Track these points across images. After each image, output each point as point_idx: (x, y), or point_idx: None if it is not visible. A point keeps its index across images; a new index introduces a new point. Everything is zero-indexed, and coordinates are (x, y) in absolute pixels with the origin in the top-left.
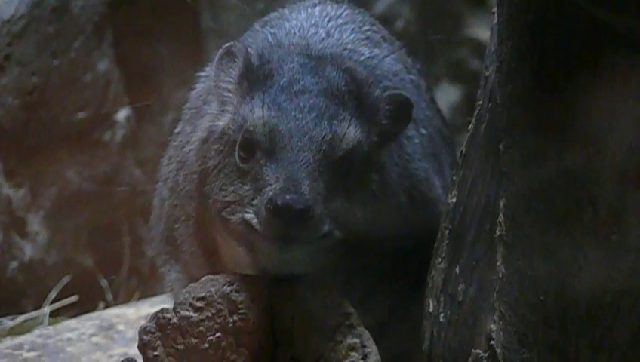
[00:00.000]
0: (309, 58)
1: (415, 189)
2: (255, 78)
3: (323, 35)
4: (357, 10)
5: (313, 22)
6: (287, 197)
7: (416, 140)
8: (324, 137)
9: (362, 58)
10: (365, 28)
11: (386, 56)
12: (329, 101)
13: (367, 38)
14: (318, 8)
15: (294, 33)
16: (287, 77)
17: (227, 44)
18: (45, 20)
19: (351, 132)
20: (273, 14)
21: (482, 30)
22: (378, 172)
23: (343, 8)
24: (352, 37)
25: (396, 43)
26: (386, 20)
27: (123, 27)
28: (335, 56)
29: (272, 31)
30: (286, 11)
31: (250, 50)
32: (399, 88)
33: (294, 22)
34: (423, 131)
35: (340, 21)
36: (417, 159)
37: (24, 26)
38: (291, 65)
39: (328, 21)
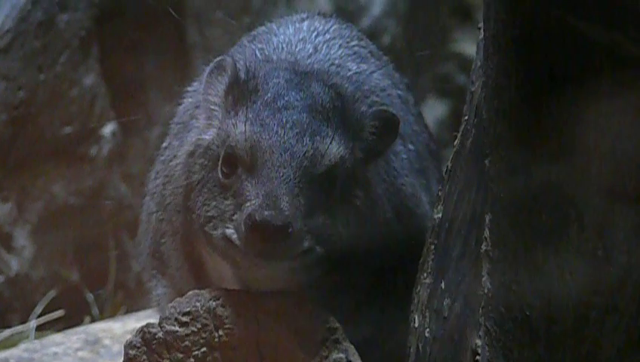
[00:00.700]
0: (295, 74)
1: (402, 205)
2: (240, 93)
3: (311, 50)
4: (345, 25)
5: (301, 37)
6: (266, 213)
7: (404, 156)
8: (305, 153)
9: (349, 73)
10: (353, 43)
11: (373, 72)
12: (312, 117)
13: (355, 53)
14: (305, 23)
15: (282, 48)
16: (272, 92)
17: (218, 58)
18: (31, 35)
19: (333, 148)
20: (261, 29)
21: (468, 45)
22: (363, 188)
23: (330, 23)
24: (339, 52)
25: (384, 58)
26: (372, 35)
27: (109, 42)
28: (321, 72)
29: (260, 46)
30: (274, 26)
31: (238, 64)
32: (387, 104)
33: (282, 37)
34: (411, 147)
35: (327, 36)
36: (404, 175)
37: (10, 41)
38: (277, 81)
39: (316, 36)
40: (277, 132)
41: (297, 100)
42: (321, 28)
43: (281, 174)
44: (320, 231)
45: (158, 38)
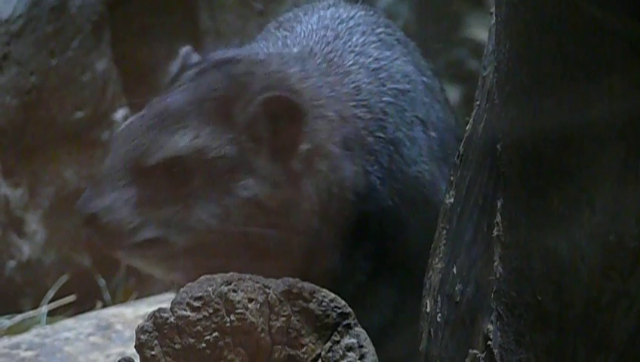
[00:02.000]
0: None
1: (417, 192)
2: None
3: (330, 38)
4: (371, 12)
5: (324, 24)
6: (78, 202)
7: (423, 143)
8: (138, 145)
9: (369, 60)
10: (379, 30)
11: (396, 59)
12: (181, 108)
13: (380, 40)
14: (330, 10)
15: (304, 36)
16: (178, 83)
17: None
18: (43, 20)
19: (181, 141)
20: (287, 15)
21: (481, 30)
22: (260, 178)
23: (356, 10)
24: (362, 39)
25: (411, 45)
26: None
27: (121, 26)
28: (235, 61)
29: (285, 33)
30: (300, 13)
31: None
32: (404, 90)
33: (305, 25)
34: (433, 134)
35: (351, 23)
36: (422, 162)
37: (22, 26)
38: (189, 73)
39: (339, 23)
40: (129, 123)
41: (183, 91)
42: (345, 15)
43: (111, 164)
44: (172, 222)
45: (171, 22)
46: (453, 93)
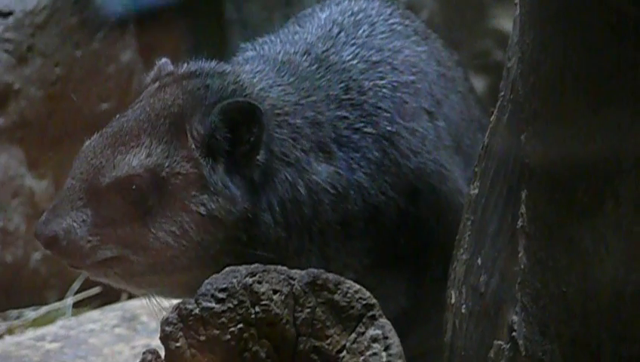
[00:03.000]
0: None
1: (419, 182)
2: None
3: (335, 32)
4: (387, 4)
5: (333, 19)
6: (37, 225)
7: (428, 133)
8: (93, 165)
9: (370, 53)
10: (392, 21)
11: (405, 49)
12: (136, 125)
13: (392, 30)
14: (343, 5)
15: (310, 32)
16: (139, 98)
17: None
18: (68, 11)
19: (133, 160)
20: (308, 10)
21: (506, 21)
22: (210, 193)
23: (370, 3)
24: (368, 31)
25: (432, 36)
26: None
27: (146, 18)
28: (194, 75)
29: (297, 29)
30: (317, 7)
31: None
32: (408, 81)
33: (316, 20)
34: (442, 124)
35: (360, 16)
36: (426, 152)
37: (47, 17)
38: (150, 88)
39: (349, 16)
40: (90, 142)
41: (139, 108)
42: (356, 8)
43: (69, 185)
44: (129, 241)
45: (196, 13)
46: (478, 84)
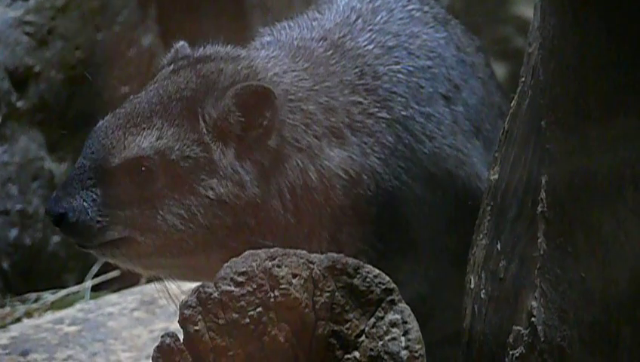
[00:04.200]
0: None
1: (435, 167)
2: None
3: (352, 19)
4: None
5: (352, 5)
6: (47, 202)
7: (444, 117)
8: (104, 145)
9: (386, 38)
10: (410, 7)
11: (423, 35)
12: (148, 107)
13: (410, 16)
14: None
15: (328, 19)
16: (153, 80)
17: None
18: None
19: (143, 142)
20: None
21: (527, 8)
22: (219, 178)
23: None
24: (385, 17)
25: (452, 22)
26: None
27: (167, 2)
28: (208, 59)
29: (315, 16)
30: None
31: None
32: (424, 66)
33: (335, 6)
34: (460, 109)
35: (378, 2)
36: (442, 136)
37: (68, 0)
38: (165, 71)
39: (368, 3)
40: (102, 122)
41: (152, 90)
42: None
43: (79, 165)
44: (137, 222)
45: None
46: (499, 70)
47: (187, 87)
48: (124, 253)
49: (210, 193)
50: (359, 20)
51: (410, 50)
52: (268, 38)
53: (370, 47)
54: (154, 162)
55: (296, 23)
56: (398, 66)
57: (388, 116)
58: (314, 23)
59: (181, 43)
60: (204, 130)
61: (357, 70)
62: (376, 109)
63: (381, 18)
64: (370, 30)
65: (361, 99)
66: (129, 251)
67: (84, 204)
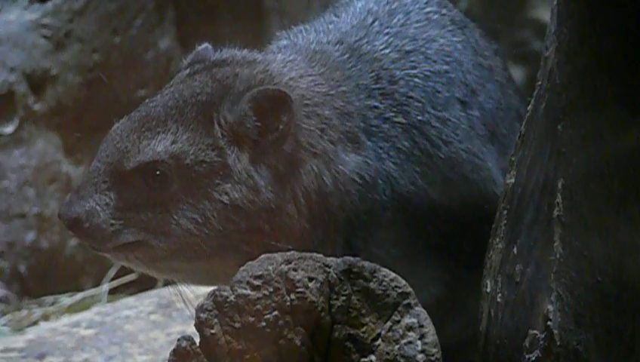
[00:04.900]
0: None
1: (451, 172)
2: None
3: (369, 21)
4: None
5: (369, 8)
6: (60, 207)
7: (461, 122)
8: (118, 148)
9: (403, 42)
10: (428, 10)
11: (440, 38)
12: (163, 111)
13: (427, 19)
14: None
15: (345, 21)
16: (169, 84)
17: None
18: None
19: (157, 146)
20: (343, 0)
21: (545, 11)
22: (234, 182)
23: None
24: (402, 20)
25: (469, 25)
26: (449, 1)
27: (185, 5)
28: (224, 63)
29: (333, 19)
30: None
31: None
32: (441, 71)
33: (352, 9)
34: (476, 113)
35: (395, 5)
36: (458, 141)
37: (85, 3)
38: (182, 74)
39: (385, 5)
40: (117, 126)
41: (168, 93)
42: None
43: (93, 168)
44: (151, 226)
45: (235, 1)
46: (517, 74)
47: (203, 92)
48: (138, 256)
49: (225, 198)
50: (376, 23)
51: (427, 54)
52: (284, 42)
53: (387, 51)
54: (168, 166)
55: (313, 27)
56: (415, 71)
57: (404, 121)
58: (330, 27)
59: (204, 45)
60: (220, 134)
61: (373, 74)
62: (393, 114)
63: (398, 21)
64: (387, 34)
65: (377, 104)
66: (143, 255)
67: (98, 207)
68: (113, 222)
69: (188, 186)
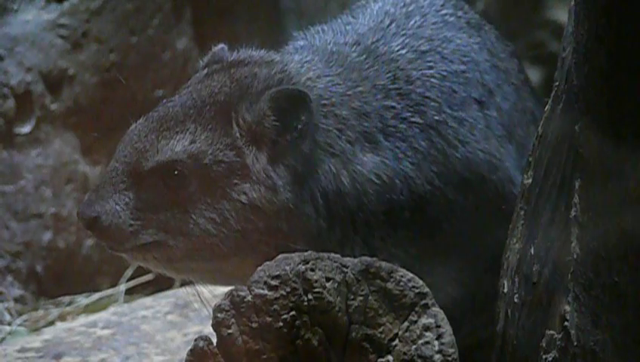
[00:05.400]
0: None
1: (468, 172)
2: None
3: (386, 23)
4: None
5: (386, 10)
6: (80, 206)
7: (477, 122)
8: (136, 149)
9: (420, 42)
10: (444, 12)
11: (457, 39)
12: (182, 112)
13: (444, 21)
14: None
15: (362, 23)
16: (187, 84)
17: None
18: None
19: (176, 145)
20: (362, 1)
21: (562, 12)
22: (252, 182)
23: None
24: (419, 21)
25: (485, 27)
26: (465, 3)
27: (202, 5)
28: (242, 64)
29: (351, 20)
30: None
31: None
32: (458, 71)
33: (369, 10)
34: (493, 113)
35: (412, 7)
36: (475, 141)
37: (103, 3)
38: (199, 74)
39: (401, 7)
40: (135, 126)
41: (186, 94)
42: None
43: (112, 168)
44: (170, 226)
45: (252, 2)
46: (534, 75)
47: (221, 92)
48: (155, 256)
49: (243, 198)
50: (393, 25)
51: (443, 54)
52: (301, 43)
53: (404, 51)
54: (187, 166)
55: (330, 28)
56: (432, 71)
57: (421, 121)
58: (347, 28)
59: (220, 46)
60: (238, 134)
61: (390, 75)
62: (409, 114)
63: (415, 22)
64: (404, 35)
65: (394, 104)
66: (161, 255)
67: (117, 207)
68: (132, 222)
69: (206, 186)
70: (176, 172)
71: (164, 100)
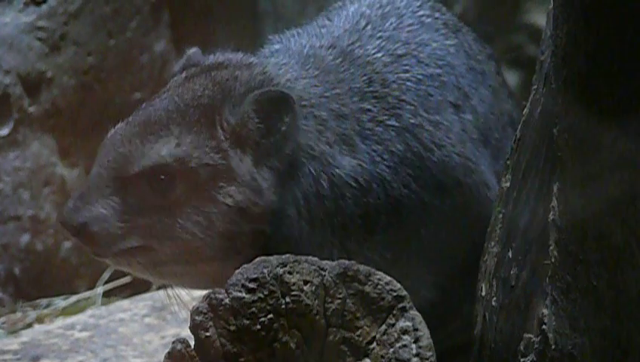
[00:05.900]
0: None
1: (444, 176)
2: None
3: (361, 25)
4: None
5: (361, 12)
6: (63, 213)
7: (452, 125)
8: (121, 153)
9: (395, 46)
10: (421, 13)
11: (433, 42)
12: (165, 115)
13: (420, 23)
14: None
15: (337, 25)
16: (166, 88)
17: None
18: (102, 0)
19: (161, 149)
20: (338, 3)
21: (539, 16)
22: (238, 185)
23: None
24: (395, 23)
25: (463, 29)
26: (443, 5)
27: (180, 8)
28: (222, 66)
29: (326, 22)
30: (347, 0)
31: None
32: (433, 74)
33: (344, 12)
34: (469, 117)
35: (388, 9)
36: (450, 145)
37: (81, 6)
38: (178, 78)
39: (378, 8)
40: (115, 130)
41: (167, 97)
42: (385, 1)
43: (95, 173)
44: (156, 230)
45: (230, 5)
46: (511, 78)
47: (203, 94)
48: (140, 261)
49: (229, 200)
50: (368, 27)
51: (419, 58)
52: (277, 46)
53: (379, 55)
54: (173, 170)
55: (305, 31)
56: (407, 74)
57: (397, 124)
58: (323, 30)
59: (194, 49)
60: (223, 137)
61: (365, 77)
62: (386, 117)
63: (390, 24)
64: (380, 37)
65: (370, 107)
66: (146, 259)
67: (105, 212)
68: (119, 226)
69: (192, 189)
70: (162, 176)
71: (143, 104)
